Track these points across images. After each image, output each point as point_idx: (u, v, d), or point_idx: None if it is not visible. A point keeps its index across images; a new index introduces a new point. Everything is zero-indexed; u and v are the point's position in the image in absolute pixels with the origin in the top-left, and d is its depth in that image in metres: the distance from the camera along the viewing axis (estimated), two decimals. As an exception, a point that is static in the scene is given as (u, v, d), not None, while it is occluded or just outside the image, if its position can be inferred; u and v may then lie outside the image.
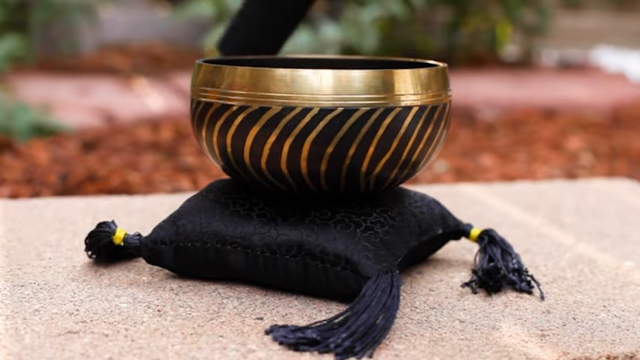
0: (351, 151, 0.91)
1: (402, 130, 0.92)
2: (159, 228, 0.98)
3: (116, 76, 3.54)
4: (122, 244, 1.00)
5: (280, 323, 0.87)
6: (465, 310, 0.92)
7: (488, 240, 1.04)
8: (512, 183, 1.63)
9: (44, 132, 2.23)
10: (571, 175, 2.01)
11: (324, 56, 1.16)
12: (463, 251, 1.13)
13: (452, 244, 1.14)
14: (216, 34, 2.81)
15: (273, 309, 0.91)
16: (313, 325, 0.83)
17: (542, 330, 0.88)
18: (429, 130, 0.95)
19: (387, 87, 0.92)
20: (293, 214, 0.96)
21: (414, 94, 0.93)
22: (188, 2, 3.65)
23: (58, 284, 0.97)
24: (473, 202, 1.40)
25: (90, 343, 0.81)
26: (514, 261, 1.02)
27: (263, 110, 0.91)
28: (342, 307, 0.91)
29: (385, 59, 1.10)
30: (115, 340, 0.82)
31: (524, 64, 4.26)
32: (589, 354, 0.82)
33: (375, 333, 0.82)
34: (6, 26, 3.38)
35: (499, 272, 0.99)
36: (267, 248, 0.93)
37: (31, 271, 1.01)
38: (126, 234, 1.00)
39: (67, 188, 1.72)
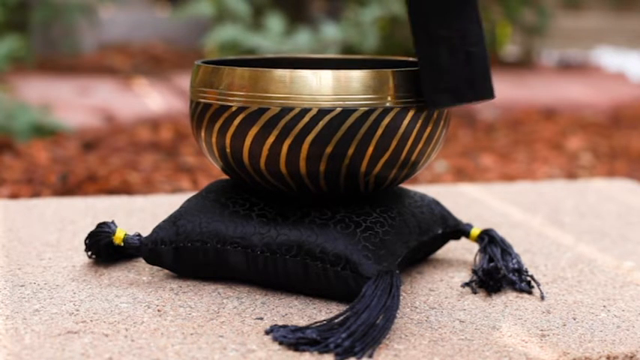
0: (350, 151, 0.91)
1: (401, 130, 0.92)
2: (159, 228, 0.98)
3: (116, 76, 3.54)
4: (122, 244, 1.00)
5: (280, 323, 0.87)
6: (465, 310, 0.92)
7: (488, 240, 1.04)
8: (512, 183, 1.63)
9: (44, 132, 2.23)
10: (571, 175, 2.01)
11: (324, 56, 1.16)
12: (463, 251, 1.13)
13: (452, 244, 1.14)
14: (217, 34, 2.81)
15: (273, 309, 0.91)
16: (313, 325, 0.83)
17: (542, 330, 0.88)
18: (428, 130, 0.95)
19: (386, 87, 0.92)
20: (293, 214, 0.96)
21: (413, 94, 0.93)
22: (188, 2, 3.66)
23: (58, 284, 0.97)
24: (473, 202, 1.40)
25: (90, 343, 0.81)
26: (514, 261, 1.02)
27: (262, 111, 0.91)
28: (342, 307, 0.91)
29: (385, 59, 1.10)
30: (115, 340, 0.82)
31: (524, 64, 4.25)
32: (589, 354, 0.82)
33: (375, 333, 0.82)
34: (6, 26, 3.38)
35: (499, 272, 0.99)
36: (267, 248, 0.93)
37: (31, 271, 1.01)
38: (126, 234, 1.00)
39: (67, 188, 1.72)
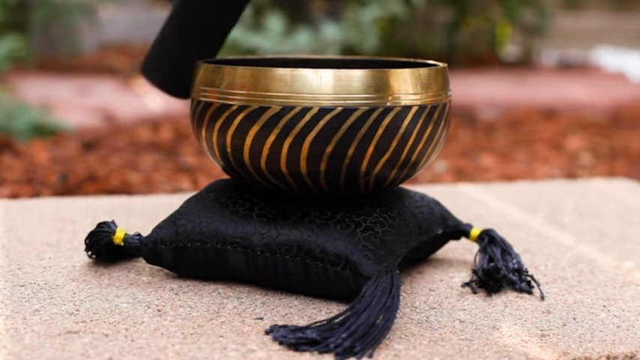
0: (351, 151, 0.91)
1: (402, 130, 0.92)
2: (159, 228, 0.98)
3: (116, 76, 3.54)
4: (122, 244, 1.00)
5: (280, 323, 0.87)
6: (465, 310, 0.92)
7: (489, 240, 1.04)
8: (512, 183, 1.63)
9: (44, 132, 2.23)
10: (571, 175, 2.01)
11: (324, 56, 1.16)
12: (463, 251, 1.13)
13: (452, 244, 1.14)
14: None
15: (273, 309, 0.91)
16: (313, 325, 0.83)
17: (542, 330, 0.88)
18: (429, 130, 0.95)
19: (387, 86, 0.92)
20: (293, 214, 0.96)
21: (414, 94, 0.93)
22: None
23: (58, 284, 0.97)
24: (473, 202, 1.40)
25: (90, 343, 0.81)
26: (514, 261, 1.02)
27: (263, 110, 0.91)
28: (342, 307, 0.91)
29: (385, 59, 1.10)
30: (115, 340, 0.82)
31: (524, 64, 4.26)
32: (589, 354, 0.82)
33: (375, 333, 0.82)
34: (6, 26, 3.38)
35: (499, 272, 0.99)
36: (267, 248, 0.93)
37: (31, 271, 1.01)
38: (126, 234, 1.00)
39: (67, 188, 1.72)
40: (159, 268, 1.02)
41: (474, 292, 0.98)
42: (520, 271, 1.01)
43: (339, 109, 0.90)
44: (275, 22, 2.83)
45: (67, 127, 2.30)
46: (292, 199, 0.98)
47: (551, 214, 1.34)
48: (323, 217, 0.94)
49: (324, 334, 0.81)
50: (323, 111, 0.90)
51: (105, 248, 1.02)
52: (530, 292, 0.98)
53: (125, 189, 1.71)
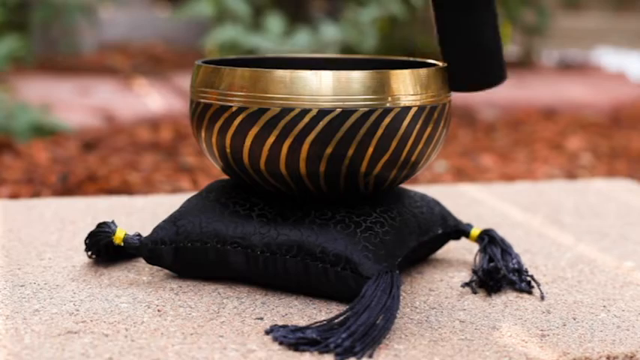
0: (350, 152, 0.91)
1: (401, 131, 0.92)
2: (159, 228, 0.98)
3: (116, 76, 3.54)
4: (122, 244, 1.00)
5: (280, 323, 0.87)
6: (465, 310, 0.92)
7: (489, 240, 1.04)
8: (512, 183, 1.63)
9: (44, 132, 2.23)
10: (571, 175, 2.01)
11: (324, 55, 1.16)
12: (463, 251, 1.13)
13: (452, 244, 1.14)
14: (217, 34, 2.81)
15: (273, 309, 0.91)
16: (313, 325, 0.83)
17: (542, 330, 0.88)
18: (429, 130, 0.95)
19: (386, 87, 0.92)
20: (293, 214, 0.96)
21: (414, 95, 0.93)
22: (188, 2, 3.65)
23: (58, 284, 0.97)
24: (473, 202, 1.40)
25: (90, 343, 0.81)
26: (514, 261, 1.02)
27: (262, 111, 0.91)
28: (342, 307, 0.91)
29: (385, 58, 1.10)
30: (115, 340, 0.82)
31: (524, 64, 4.25)
32: (589, 354, 0.82)
33: (375, 333, 0.82)
34: (6, 26, 3.38)
35: (499, 272, 0.99)
36: (267, 248, 0.93)
37: (31, 271, 1.01)
38: (126, 234, 1.00)
39: (67, 188, 1.72)
40: (159, 268, 1.02)
41: (474, 292, 0.98)
42: (520, 271, 1.01)
43: (339, 110, 0.90)
44: (275, 22, 2.83)
45: (67, 127, 2.30)
46: (292, 199, 0.98)
47: (551, 214, 1.34)
48: (323, 218, 0.94)
49: (324, 334, 0.82)
50: (322, 112, 0.90)
51: (105, 248, 1.02)
52: (530, 292, 0.98)
53: (125, 189, 1.71)
